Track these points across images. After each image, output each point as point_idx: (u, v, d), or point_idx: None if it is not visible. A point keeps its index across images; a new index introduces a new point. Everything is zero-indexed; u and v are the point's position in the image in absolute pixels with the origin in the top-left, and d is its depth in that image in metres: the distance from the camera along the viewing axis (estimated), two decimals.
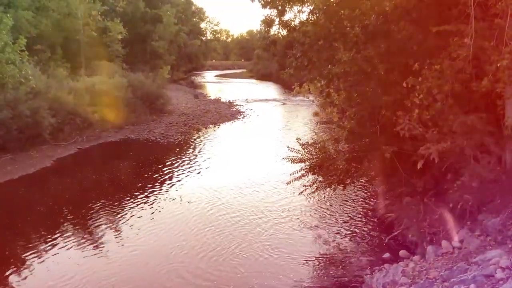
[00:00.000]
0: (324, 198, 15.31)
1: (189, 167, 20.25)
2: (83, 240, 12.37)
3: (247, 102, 45.34)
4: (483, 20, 9.08)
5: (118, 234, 12.87)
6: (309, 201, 14.98)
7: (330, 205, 14.94)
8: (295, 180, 13.22)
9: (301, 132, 26.21)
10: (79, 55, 36.28)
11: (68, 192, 16.73)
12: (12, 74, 21.58)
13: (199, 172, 19.43)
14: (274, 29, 14.42)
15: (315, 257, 11.34)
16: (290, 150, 13.35)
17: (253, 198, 15.87)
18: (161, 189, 16.92)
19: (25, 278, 10.42)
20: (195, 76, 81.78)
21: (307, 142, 13.53)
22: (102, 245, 12.05)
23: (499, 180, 9.82)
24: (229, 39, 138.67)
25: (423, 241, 10.51)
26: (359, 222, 13.55)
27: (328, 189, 13.54)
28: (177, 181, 18.04)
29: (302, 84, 16.95)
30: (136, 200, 15.59)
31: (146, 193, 16.35)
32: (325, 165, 12.63)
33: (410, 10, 10.38)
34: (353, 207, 14.79)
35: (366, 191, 16.00)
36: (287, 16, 13.63)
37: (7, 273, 10.51)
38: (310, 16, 13.05)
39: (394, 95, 10.97)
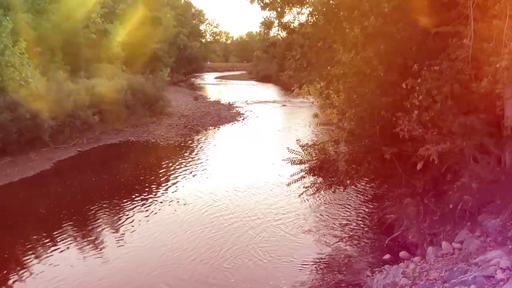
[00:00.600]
0: (323, 200, 15.29)
1: (188, 169, 20.25)
2: (80, 243, 12.43)
3: (246, 103, 45.36)
4: (482, 21, 9.09)
5: (113, 236, 12.91)
6: (308, 203, 14.97)
7: (330, 207, 14.91)
8: (295, 182, 13.23)
9: (301, 133, 26.23)
10: (79, 57, 36.27)
11: (68, 195, 16.72)
12: (12, 76, 21.61)
13: (198, 175, 19.42)
14: (274, 31, 14.50)
15: (315, 259, 11.31)
16: (290, 152, 13.35)
17: (252, 201, 15.83)
18: (159, 192, 16.92)
19: (23, 279, 10.44)
20: (194, 78, 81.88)
21: (307, 144, 13.54)
22: (95, 248, 12.11)
23: (498, 181, 9.82)
24: (229, 41, 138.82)
25: (423, 242, 10.49)
26: (359, 224, 13.53)
27: (328, 190, 13.53)
28: (176, 184, 18.03)
29: (301, 85, 16.95)
30: (134, 203, 15.59)
31: (144, 196, 16.37)
32: (325, 167, 12.64)
33: (409, 11, 10.39)
34: (353, 209, 14.76)
35: (366, 193, 15.98)
36: (287, 18, 13.69)
37: (5, 275, 10.53)
38: (309, 18, 13.08)
39: (394, 96, 10.98)
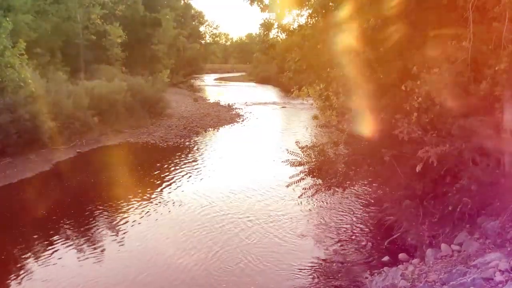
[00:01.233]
0: (322, 202, 15.29)
1: (187, 171, 20.24)
2: (75, 243, 12.52)
3: (246, 105, 45.37)
4: (481, 23, 9.11)
5: (108, 237, 12.98)
6: (306, 205, 14.96)
7: (329, 209, 14.91)
8: (294, 183, 13.20)
9: (300, 135, 26.20)
10: (79, 58, 36.36)
11: (67, 196, 16.73)
12: (11, 77, 21.61)
13: (196, 176, 19.41)
14: (273, 33, 14.44)
15: (314, 261, 11.31)
16: (289, 153, 13.34)
17: (249, 202, 15.81)
18: (156, 193, 16.93)
19: (20, 280, 10.45)
20: (194, 79, 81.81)
21: (306, 145, 13.52)
22: (90, 249, 12.19)
23: (498, 183, 9.81)
24: (228, 43, 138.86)
25: (423, 244, 10.49)
26: (358, 226, 13.53)
27: (327, 192, 13.51)
28: (173, 185, 18.02)
29: (301, 87, 16.94)
30: (130, 204, 15.59)
31: (141, 197, 16.36)
32: (324, 168, 12.61)
33: (408, 13, 10.40)
34: (352, 211, 14.76)
35: (365, 195, 15.98)
36: (286, 20, 13.66)
37: (3, 275, 10.56)
38: (309, 20, 13.08)
39: (393, 98, 10.98)
